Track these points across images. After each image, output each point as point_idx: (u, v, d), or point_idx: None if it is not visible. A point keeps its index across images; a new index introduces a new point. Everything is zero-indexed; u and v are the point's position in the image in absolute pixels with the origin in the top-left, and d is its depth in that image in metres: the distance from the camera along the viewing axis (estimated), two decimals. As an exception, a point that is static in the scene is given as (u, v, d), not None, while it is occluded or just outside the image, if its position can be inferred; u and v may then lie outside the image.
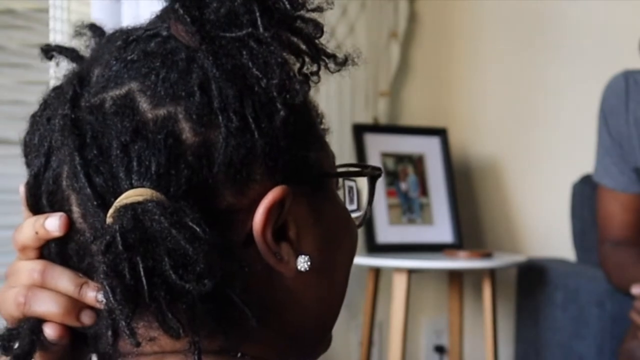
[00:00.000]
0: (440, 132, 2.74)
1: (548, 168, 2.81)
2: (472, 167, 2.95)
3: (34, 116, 0.67)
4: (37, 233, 0.64)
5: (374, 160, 2.56)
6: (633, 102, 2.03)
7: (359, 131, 2.58)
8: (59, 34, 1.93)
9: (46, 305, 0.64)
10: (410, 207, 2.62)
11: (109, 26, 0.71)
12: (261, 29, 0.63)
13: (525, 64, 2.86)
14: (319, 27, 0.66)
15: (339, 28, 2.60)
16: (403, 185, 2.63)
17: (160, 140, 0.60)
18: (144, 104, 0.62)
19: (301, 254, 0.65)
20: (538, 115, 2.82)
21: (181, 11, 0.63)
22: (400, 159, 2.65)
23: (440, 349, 2.87)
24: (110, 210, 0.59)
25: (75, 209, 0.63)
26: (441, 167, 2.69)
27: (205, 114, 0.61)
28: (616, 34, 2.63)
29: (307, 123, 0.67)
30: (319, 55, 0.67)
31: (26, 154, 0.67)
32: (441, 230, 2.64)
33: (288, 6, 0.64)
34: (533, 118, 2.84)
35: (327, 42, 0.67)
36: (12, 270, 0.67)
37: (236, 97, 0.62)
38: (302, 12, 0.65)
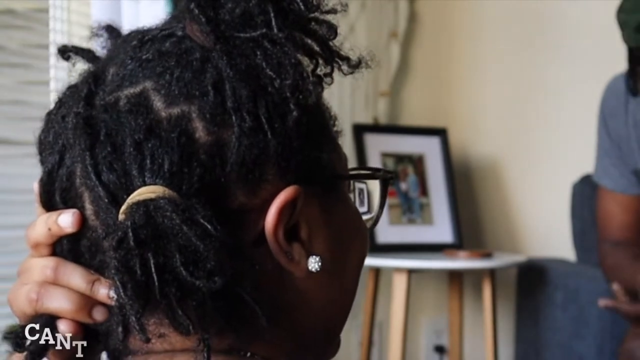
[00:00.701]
0: (440, 132, 2.74)
1: (548, 168, 2.81)
2: (472, 167, 2.95)
3: (49, 114, 0.68)
4: (50, 229, 0.65)
5: (374, 160, 2.57)
6: (632, 103, 2.03)
7: (359, 131, 2.58)
8: (59, 34, 1.92)
9: (59, 302, 0.65)
10: (410, 207, 2.62)
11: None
12: (275, 30, 0.63)
13: (525, 64, 2.86)
14: (332, 29, 0.67)
15: (339, 28, 2.60)
16: (403, 185, 2.63)
17: (174, 139, 0.61)
18: (158, 103, 0.62)
19: (312, 255, 0.65)
20: (538, 115, 2.83)
21: (196, 11, 0.63)
22: (400, 159, 2.66)
23: (440, 349, 2.87)
24: (123, 207, 0.59)
25: (88, 206, 0.63)
26: (441, 167, 2.69)
27: (219, 114, 0.61)
28: (616, 34, 2.62)
29: (320, 124, 0.67)
30: (332, 57, 0.67)
31: (40, 152, 0.67)
32: (441, 230, 2.64)
33: (302, 7, 0.65)
34: (533, 118, 2.84)
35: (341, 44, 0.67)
36: (25, 268, 0.67)
37: (250, 97, 0.62)
38: (317, 14, 0.66)
